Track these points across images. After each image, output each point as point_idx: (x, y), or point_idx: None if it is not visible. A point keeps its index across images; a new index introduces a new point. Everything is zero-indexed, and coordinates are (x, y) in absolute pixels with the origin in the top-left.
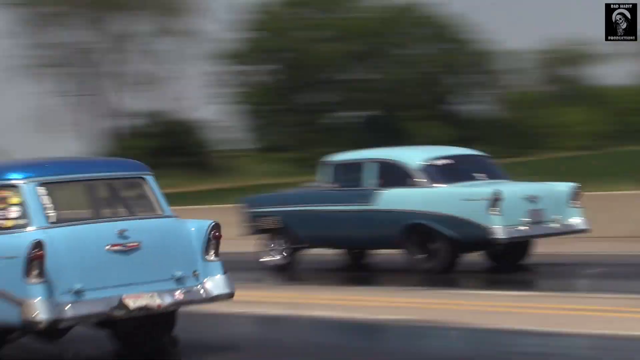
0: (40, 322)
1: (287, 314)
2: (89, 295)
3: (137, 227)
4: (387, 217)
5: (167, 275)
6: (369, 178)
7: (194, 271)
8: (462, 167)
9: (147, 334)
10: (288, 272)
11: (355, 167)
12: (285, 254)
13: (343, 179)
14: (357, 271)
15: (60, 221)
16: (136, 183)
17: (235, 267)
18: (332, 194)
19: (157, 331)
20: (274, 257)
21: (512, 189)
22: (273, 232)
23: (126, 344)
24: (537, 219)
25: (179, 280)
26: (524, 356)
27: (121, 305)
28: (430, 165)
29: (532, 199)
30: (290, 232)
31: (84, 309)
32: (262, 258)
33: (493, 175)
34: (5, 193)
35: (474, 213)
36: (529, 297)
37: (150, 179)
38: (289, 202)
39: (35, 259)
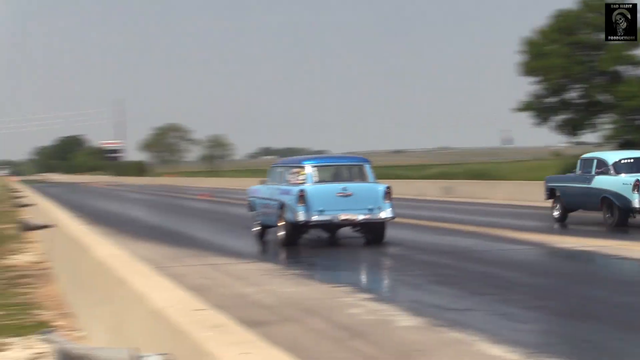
0: (300, 221)
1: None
2: (326, 213)
3: (352, 186)
4: (595, 193)
5: (364, 208)
6: (590, 168)
7: (378, 207)
8: (637, 163)
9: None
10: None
11: (588, 162)
12: (560, 213)
13: (584, 168)
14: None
15: (319, 182)
16: (359, 167)
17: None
18: (576, 177)
19: (369, 235)
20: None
21: None
22: (555, 198)
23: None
24: None
25: (370, 210)
26: None
27: (337, 218)
28: (617, 162)
29: None
30: (562, 200)
31: (322, 218)
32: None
33: None
34: (299, 169)
35: (627, 192)
36: None
37: (367, 165)
38: (563, 180)
39: (301, 196)
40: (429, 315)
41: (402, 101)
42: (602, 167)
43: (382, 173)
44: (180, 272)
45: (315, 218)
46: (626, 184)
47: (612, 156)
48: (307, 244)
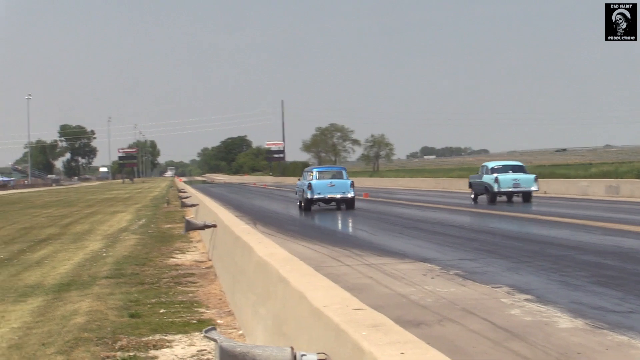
0: (311, 199)
1: None
2: (321, 194)
3: (334, 181)
4: (482, 184)
5: (340, 191)
6: (482, 171)
7: (347, 191)
8: (504, 168)
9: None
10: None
11: (483, 167)
12: (473, 197)
13: (481, 171)
14: None
15: (318, 179)
16: (339, 171)
17: None
18: (477, 176)
19: (344, 205)
20: None
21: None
22: (472, 188)
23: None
24: None
25: (343, 193)
26: None
27: (327, 196)
28: (493, 167)
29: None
30: (473, 188)
31: (319, 197)
32: None
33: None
34: (311, 172)
35: (493, 183)
36: None
37: (343, 171)
38: (473, 178)
39: (309, 186)
40: (591, 318)
41: (565, 99)
42: (486, 170)
43: (545, 172)
44: (340, 271)
45: (315, 196)
46: (490, 177)
47: (491, 164)
48: (465, 245)
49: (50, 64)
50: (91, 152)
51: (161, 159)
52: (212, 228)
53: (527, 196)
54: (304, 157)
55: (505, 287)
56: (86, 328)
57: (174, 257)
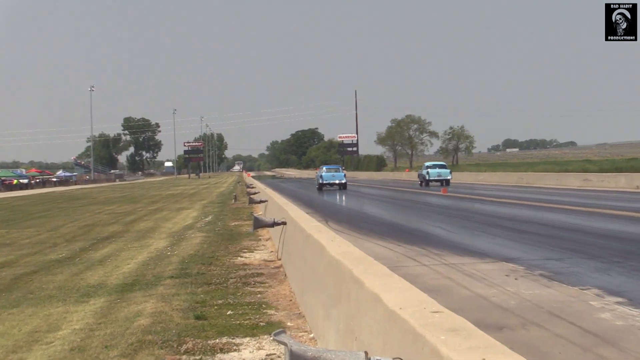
0: (322, 183)
1: None
2: (327, 181)
3: (335, 173)
4: (422, 174)
5: (338, 180)
6: (423, 167)
7: (342, 179)
8: (434, 166)
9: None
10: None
11: (424, 165)
12: (420, 183)
13: (424, 167)
14: None
15: (325, 172)
16: (337, 167)
17: None
18: (421, 170)
19: (339, 188)
20: None
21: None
22: (420, 177)
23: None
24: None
25: (339, 179)
26: None
27: (330, 182)
28: (427, 165)
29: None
30: (420, 178)
31: (326, 182)
32: None
33: None
34: (320, 168)
35: (426, 174)
36: None
37: (340, 167)
38: (420, 170)
39: (321, 175)
40: None
41: None
42: (424, 167)
43: (637, 165)
44: (417, 271)
45: (325, 182)
46: (425, 171)
47: (428, 163)
48: (551, 244)
49: (115, 55)
50: (156, 146)
51: (228, 153)
52: (282, 226)
53: (447, 182)
54: (378, 150)
55: (594, 289)
56: (150, 330)
57: (241, 256)
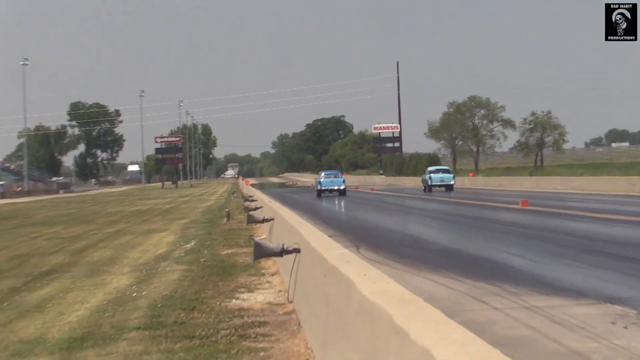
0: (321, 189)
1: None
2: (326, 187)
3: (334, 179)
4: (425, 179)
5: (337, 185)
6: (426, 172)
7: (341, 185)
8: (436, 170)
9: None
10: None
11: (427, 170)
12: (424, 189)
13: (426, 172)
14: None
15: (324, 178)
16: (336, 173)
17: None
18: (425, 175)
19: (338, 194)
20: None
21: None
22: (423, 182)
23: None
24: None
25: (339, 186)
26: None
27: (329, 188)
28: (430, 170)
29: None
30: (423, 183)
31: (324, 188)
32: None
33: None
34: (318, 174)
35: (428, 179)
36: None
37: (340, 173)
38: (424, 175)
39: (319, 182)
40: None
41: None
42: (427, 171)
43: None
44: (485, 317)
45: (323, 188)
46: (427, 176)
47: (430, 168)
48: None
49: (58, 17)
50: (115, 143)
51: (219, 152)
52: (294, 254)
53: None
54: (430, 146)
55: None
56: None
57: (237, 298)
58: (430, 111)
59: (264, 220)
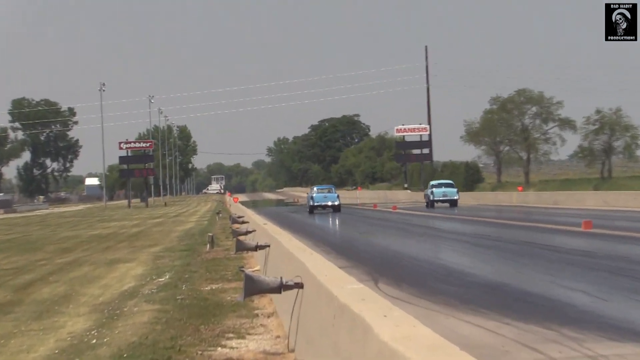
0: (313, 205)
1: None
2: (319, 202)
3: (327, 194)
4: (428, 194)
5: (331, 201)
6: (429, 187)
7: (336, 201)
8: (439, 185)
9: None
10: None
11: (431, 185)
12: (426, 204)
13: (429, 187)
14: None
15: (317, 193)
16: (330, 188)
17: None
18: (427, 190)
19: (332, 210)
20: None
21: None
22: (426, 198)
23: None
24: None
25: (332, 201)
26: None
27: (322, 204)
28: (432, 184)
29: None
30: (425, 198)
31: (317, 204)
32: None
33: None
34: (310, 189)
35: (430, 194)
36: None
37: (333, 187)
38: (427, 190)
39: (311, 197)
40: None
41: None
42: (430, 185)
43: None
44: None
45: (315, 204)
46: (429, 191)
47: (433, 182)
48: None
49: None
50: (69, 150)
51: (200, 162)
52: (296, 290)
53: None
54: (467, 153)
55: None
56: None
57: (224, 346)
58: (467, 109)
59: (257, 248)
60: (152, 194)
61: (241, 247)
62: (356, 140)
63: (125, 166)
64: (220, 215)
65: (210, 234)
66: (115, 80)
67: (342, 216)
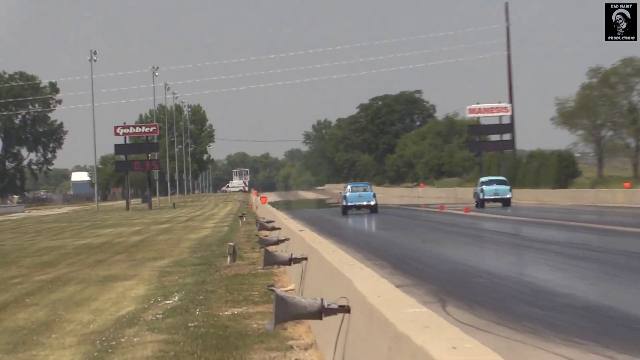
0: (347, 205)
1: None
2: (353, 202)
3: (363, 193)
4: (477, 193)
5: (366, 200)
6: (478, 184)
7: (372, 200)
8: (489, 181)
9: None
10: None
11: (480, 182)
12: (476, 204)
13: (479, 184)
14: None
15: (351, 192)
16: (365, 186)
17: None
18: (476, 188)
19: (368, 211)
20: None
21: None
22: (475, 196)
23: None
24: None
25: (368, 201)
26: None
27: (356, 204)
28: (483, 181)
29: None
30: (475, 197)
31: (351, 204)
32: None
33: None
34: (344, 187)
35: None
36: None
37: (368, 186)
38: (477, 187)
39: (345, 196)
40: None
41: None
42: (479, 182)
43: None
44: None
45: (349, 204)
46: (479, 188)
47: (483, 178)
48: None
49: None
50: (51, 137)
51: (218, 152)
52: (341, 315)
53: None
54: (561, 139)
55: None
56: None
57: None
58: (560, 84)
59: (291, 261)
60: (157, 193)
61: (271, 261)
62: (417, 123)
63: (122, 157)
64: (244, 219)
65: (231, 244)
66: (109, 48)
67: (400, 220)
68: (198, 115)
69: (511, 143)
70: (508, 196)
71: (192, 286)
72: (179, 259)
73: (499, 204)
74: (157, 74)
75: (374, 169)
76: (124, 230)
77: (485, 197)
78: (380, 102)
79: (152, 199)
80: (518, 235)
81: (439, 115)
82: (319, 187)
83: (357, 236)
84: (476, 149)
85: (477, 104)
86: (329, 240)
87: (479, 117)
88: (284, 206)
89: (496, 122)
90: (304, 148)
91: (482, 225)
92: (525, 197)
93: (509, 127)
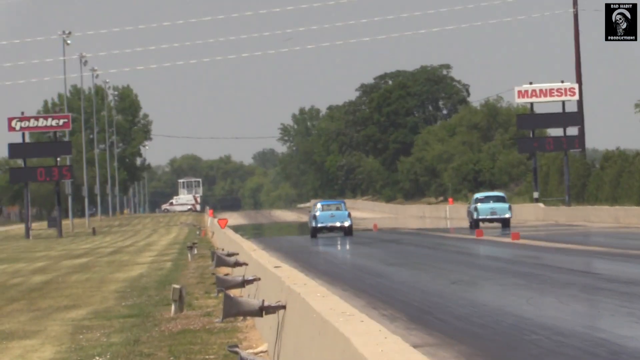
0: (316, 227)
1: None
2: (324, 223)
3: (335, 212)
4: (470, 212)
5: (339, 221)
6: (472, 201)
7: (345, 221)
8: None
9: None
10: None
11: (474, 198)
12: (470, 224)
13: (473, 201)
14: None
15: (322, 211)
16: (338, 204)
17: None
18: (470, 205)
19: (342, 233)
20: None
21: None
22: (468, 215)
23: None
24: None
25: (341, 222)
26: None
27: (328, 225)
28: (477, 197)
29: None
30: (468, 216)
31: (322, 225)
32: None
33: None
34: (313, 205)
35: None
36: None
37: (342, 204)
38: (471, 204)
39: (315, 216)
40: None
41: None
42: (475, 200)
43: None
44: None
45: (319, 225)
46: (473, 207)
47: (478, 195)
48: None
49: None
50: None
51: (158, 154)
52: None
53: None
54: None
55: None
56: None
57: None
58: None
59: (262, 311)
60: (70, 214)
61: (234, 310)
62: (444, 112)
63: (20, 162)
64: (195, 251)
65: (176, 286)
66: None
67: (419, 252)
68: (128, 101)
69: (579, 140)
70: (507, 216)
71: (121, 347)
72: (102, 308)
73: (498, 225)
74: (69, 41)
75: (382, 178)
76: (23, 266)
77: (480, 216)
78: (390, 82)
79: (63, 222)
80: (589, 272)
81: (475, 100)
82: (302, 205)
83: (357, 275)
84: (528, 148)
85: (530, 83)
86: (317, 280)
87: (532, 104)
88: (253, 232)
89: (558, 110)
90: (281, 148)
91: (538, 259)
92: (600, 218)
93: (577, 118)
